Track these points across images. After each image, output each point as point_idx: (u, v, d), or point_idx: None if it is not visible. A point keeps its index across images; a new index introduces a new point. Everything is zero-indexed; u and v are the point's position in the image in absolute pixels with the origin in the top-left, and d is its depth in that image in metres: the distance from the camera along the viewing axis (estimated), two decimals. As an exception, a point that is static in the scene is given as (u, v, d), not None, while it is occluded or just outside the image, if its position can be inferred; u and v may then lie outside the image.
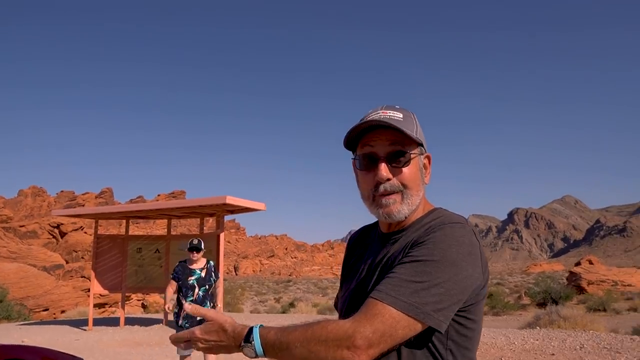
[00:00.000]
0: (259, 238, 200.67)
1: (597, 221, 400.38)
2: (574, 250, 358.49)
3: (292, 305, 25.32)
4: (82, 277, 33.07)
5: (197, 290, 5.58)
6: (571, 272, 29.95)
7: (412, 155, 1.19)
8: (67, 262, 39.11)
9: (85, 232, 46.32)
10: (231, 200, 9.35)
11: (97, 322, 12.60)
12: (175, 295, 5.80)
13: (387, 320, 1.01)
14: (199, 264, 5.71)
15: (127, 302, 26.03)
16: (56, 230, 48.07)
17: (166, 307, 5.85)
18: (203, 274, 5.65)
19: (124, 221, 12.62)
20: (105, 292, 12.26)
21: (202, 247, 5.64)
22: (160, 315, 13.70)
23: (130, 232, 12.37)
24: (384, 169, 1.17)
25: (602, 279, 27.63)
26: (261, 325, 1.09)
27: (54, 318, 20.92)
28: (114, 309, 25.42)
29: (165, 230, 12.48)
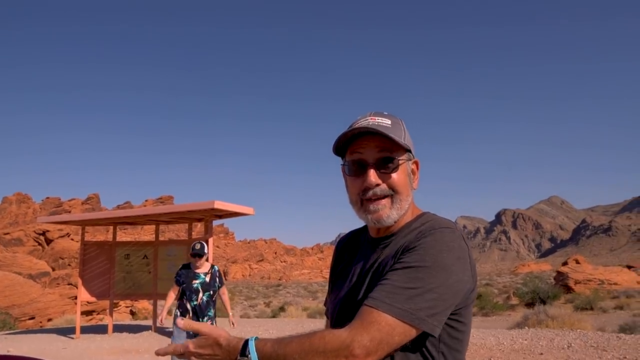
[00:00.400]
0: (248, 242, 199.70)
1: (583, 221, 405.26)
2: (561, 250, 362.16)
3: (282, 309, 25.23)
4: (69, 284, 32.62)
5: (201, 294, 5.45)
6: (558, 272, 30.23)
7: (400, 161, 1.22)
8: (53, 270, 38.57)
9: (72, 239, 45.78)
10: (219, 205, 9.32)
11: (85, 329, 12.44)
12: (176, 302, 5.65)
13: (384, 327, 1.02)
14: (204, 268, 5.60)
15: (116, 309, 25.73)
16: (42, 238, 47.42)
17: (159, 318, 5.65)
18: (207, 279, 5.53)
19: (111, 227, 12.50)
20: (93, 299, 12.12)
21: (206, 251, 5.46)
22: (149, 322, 13.57)
23: (118, 239, 12.25)
24: (372, 175, 1.19)
25: (589, 278, 27.92)
26: (256, 337, 1.08)
27: (41, 327, 20.61)
28: (101, 316, 25.11)
29: (154, 236, 12.38)
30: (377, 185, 1.19)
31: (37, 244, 47.35)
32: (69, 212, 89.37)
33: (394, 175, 1.21)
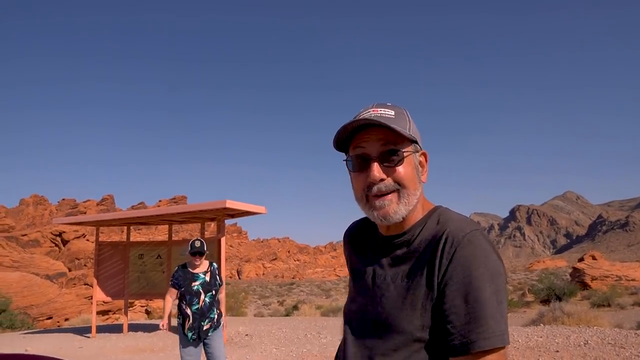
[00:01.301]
0: (261, 241, 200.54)
1: (599, 216, 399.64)
2: (576, 246, 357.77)
3: (295, 307, 25.30)
4: (85, 284, 33.06)
5: (202, 296, 4.97)
6: (574, 268, 29.86)
7: (405, 154, 1.15)
8: (69, 270, 39.13)
9: (88, 240, 46.36)
10: (231, 204, 9.35)
11: (101, 329, 12.60)
12: (176, 304, 5.20)
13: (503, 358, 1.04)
14: (202, 267, 5.15)
15: (131, 308, 26.03)
16: (58, 239, 48.11)
17: (162, 324, 5.06)
18: (208, 278, 5.05)
19: (125, 228, 12.63)
20: (108, 299, 12.25)
21: (206, 249, 5.05)
22: (164, 321, 13.71)
23: (133, 239, 12.38)
24: (376, 169, 1.13)
25: (606, 274, 27.54)
26: None
27: (58, 326, 20.93)
28: (117, 315, 25.42)
29: (167, 235, 12.48)
30: (382, 180, 1.14)
31: (53, 245, 48.04)
32: (85, 213, 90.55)
33: (399, 168, 1.14)
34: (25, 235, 48.08)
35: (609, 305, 19.52)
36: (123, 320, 12.09)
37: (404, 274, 1.15)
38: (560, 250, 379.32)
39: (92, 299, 11.70)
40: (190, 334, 4.92)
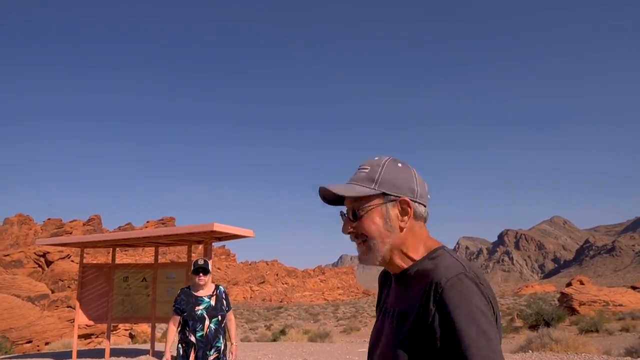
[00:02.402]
0: (250, 264, 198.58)
1: (587, 241, 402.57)
2: (564, 271, 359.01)
3: (283, 332, 24.91)
4: (68, 307, 32.30)
5: (207, 322, 4.40)
6: (562, 293, 29.89)
7: (368, 208, 1.29)
8: (52, 292, 38.26)
9: (72, 261, 45.50)
10: (219, 227, 9.27)
11: (82, 354, 12.28)
12: (178, 336, 4.57)
13: None
14: (207, 289, 4.55)
15: (114, 332, 25.44)
16: (42, 259, 47.21)
17: (165, 358, 4.44)
18: (213, 302, 4.49)
19: (111, 249, 12.43)
20: (91, 322, 11.98)
21: (210, 268, 4.54)
22: (148, 346, 13.39)
23: (120, 261, 12.19)
24: (343, 226, 1.33)
25: (594, 300, 27.59)
26: None
27: (38, 350, 20.36)
28: (100, 339, 24.80)
29: (154, 258, 12.31)
30: (349, 233, 1.32)
31: (37, 265, 47.10)
32: (70, 233, 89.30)
33: (361, 223, 1.29)
34: (8, 255, 47.12)
35: (597, 331, 19.50)
36: (105, 344, 11.79)
37: (398, 312, 1.27)
38: (548, 275, 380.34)
39: (74, 322, 11.41)
40: None
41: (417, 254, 1.29)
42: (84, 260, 11.87)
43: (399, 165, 1.31)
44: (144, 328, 26.89)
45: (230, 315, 4.70)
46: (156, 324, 12.23)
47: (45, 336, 22.89)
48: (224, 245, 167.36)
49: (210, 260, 9.98)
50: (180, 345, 4.47)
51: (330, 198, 1.33)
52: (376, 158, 1.33)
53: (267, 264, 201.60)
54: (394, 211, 1.29)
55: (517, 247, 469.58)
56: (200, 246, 11.49)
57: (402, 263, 1.29)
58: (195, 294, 4.51)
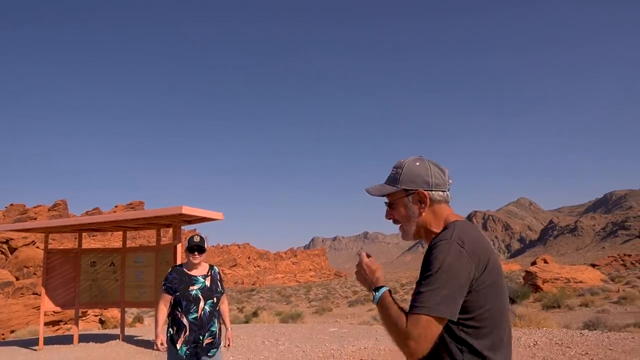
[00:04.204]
0: (221, 247, 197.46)
1: (551, 222, 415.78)
2: (529, 250, 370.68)
3: (255, 314, 25.02)
4: (34, 294, 31.49)
5: (202, 304, 4.03)
6: (527, 272, 30.90)
7: (396, 201, 1.77)
8: (17, 279, 37.22)
9: (38, 247, 44.18)
10: (187, 210, 9.17)
11: (50, 340, 12.06)
12: (168, 318, 4.14)
13: (424, 323, 1.47)
14: (201, 269, 4.19)
15: (84, 318, 25.04)
16: (5, 246, 45.73)
17: (158, 342, 4.02)
18: (208, 283, 4.13)
19: (78, 234, 12.16)
20: (58, 309, 11.75)
21: (206, 246, 4.14)
22: (117, 331, 13.24)
23: (87, 246, 11.94)
24: (386, 213, 1.82)
25: (556, 277, 28.63)
26: (389, 290, 1.63)
27: (3, 339, 19.88)
28: (69, 326, 24.35)
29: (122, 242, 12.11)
30: (389, 218, 1.81)
31: (0, 252, 45.69)
32: (35, 219, 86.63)
33: (394, 211, 1.79)
34: (-31, 242, 45.45)
35: (558, 307, 20.30)
36: (74, 330, 11.60)
37: None
38: (514, 255, 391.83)
39: (40, 309, 11.16)
40: (184, 349, 3.98)
41: (438, 229, 1.70)
42: (50, 246, 11.59)
43: (417, 164, 1.75)
44: (114, 313, 26.56)
45: (225, 299, 4.34)
46: (126, 309, 12.11)
47: (11, 324, 22.35)
48: (195, 229, 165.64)
49: (180, 244, 9.91)
50: (170, 329, 4.09)
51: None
52: (402, 160, 1.78)
53: (239, 247, 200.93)
54: (414, 201, 1.74)
55: (484, 227, 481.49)
56: (170, 230, 11.37)
57: (428, 237, 1.72)
58: (190, 273, 4.13)
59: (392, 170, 1.79)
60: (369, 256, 1.75)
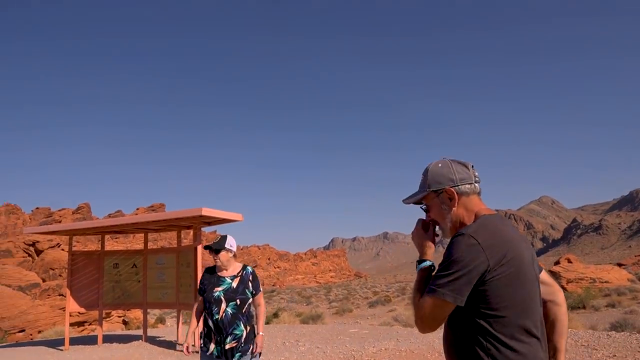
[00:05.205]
0: (242, 249, 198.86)
1: (574, 220, 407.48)
2: (553, 250, 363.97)
3: (275, 315, 25.07)
4: (59, 295, 32.21)
5: (223, 305, 3.89)
6: (551, 272, 30.34)
7: (428, 204, 1.92)
8: (43, 281, 38.10)
9: (62, 249, 45.23)
10: (207, 212, 9.24)
11: (75, 341, 12.29)
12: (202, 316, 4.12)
13: (429, 304, 1.66)
14: (232, 270, 4.07)
15: (107, 319, 25.47)
16: (31, 249, 46.87)
17: (184, 346, 3.97)
18: (235, 284, 3.98)
19: (101, 236, 12.37)
20: (82, 310, 11.97)
21: (226, 245, 3.99)
22: (140, 332, 13.43)
23: (110, 248, 12.18)
24: (425, 218, 1.94)
25: (581, 277, 28.06)
26: (432, 265, 1.82)
27: (31, 339, 20.35)
28: (93, 326, 24.82)
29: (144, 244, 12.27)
30: (429, 222, 1.92)
31: (27, 255, 46.78)
32: (59, 222, 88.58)
33: (430, 213, 1.92)
34: (-3, 245, 46.65)
35: (584, 308, 19.89)
36: (98, 331, 11.81)
37: None
38: (537, 254, 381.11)
39: (65, 310, 11.38)
40: (216, 350, 3.90)
41: (470, 222, 1.79)
42: (74, 248, 11.81)
43: (439, 165, 1.88)
44: (137, 314, 26.94)
45: (260, 300, 4.10)
46: (148, 310, 12.26)
47: (38, 325, 22.86)
48: (215, 231, 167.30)
49: (200, 246, 9.98)
50: (202, 330, 4.06)
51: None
52: (427, 165, 1.91)
53: (259, 249, 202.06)
54: (444, 199, 1.85)
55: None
56: (191, 232, 11.49)
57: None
58: (219, 274, 4.05)
59: (421, 176, 1.93)
60: (426, 228, 1.91)
